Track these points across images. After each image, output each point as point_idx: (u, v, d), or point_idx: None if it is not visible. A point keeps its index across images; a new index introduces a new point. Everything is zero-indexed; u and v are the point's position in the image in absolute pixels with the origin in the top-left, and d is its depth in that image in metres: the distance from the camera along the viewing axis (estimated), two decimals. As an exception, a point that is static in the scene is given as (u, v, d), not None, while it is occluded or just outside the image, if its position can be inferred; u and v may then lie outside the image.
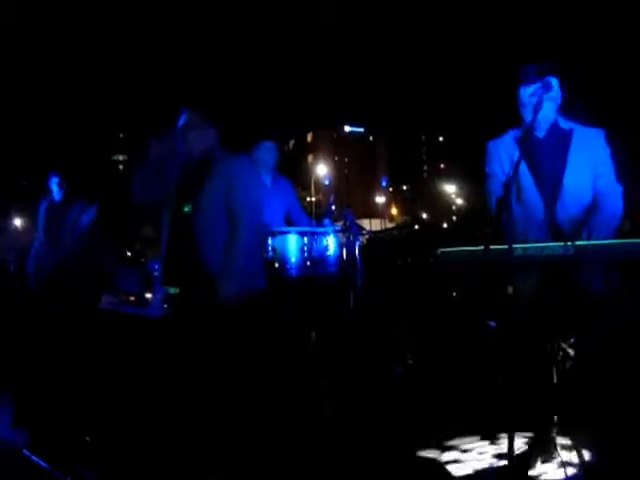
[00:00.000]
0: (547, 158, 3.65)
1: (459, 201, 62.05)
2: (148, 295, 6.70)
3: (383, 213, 58.69)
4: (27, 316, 6.07)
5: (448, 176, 66.05)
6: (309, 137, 67.66)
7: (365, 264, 5.45)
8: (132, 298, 6.97)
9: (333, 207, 5.80)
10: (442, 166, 75.10)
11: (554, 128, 3.69)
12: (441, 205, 60.09)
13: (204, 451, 3.86)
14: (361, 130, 70.46)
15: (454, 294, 4.16)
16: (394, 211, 62.05)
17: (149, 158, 4.32)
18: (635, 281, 3.09)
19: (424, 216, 57.05)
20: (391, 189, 68.58)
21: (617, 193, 3.59)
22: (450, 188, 63.74)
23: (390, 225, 49.77)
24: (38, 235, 6.41)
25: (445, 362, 4.64)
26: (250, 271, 4.21)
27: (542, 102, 3.40)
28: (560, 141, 3.68)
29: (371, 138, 73.13)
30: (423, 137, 77.02)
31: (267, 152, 5.92)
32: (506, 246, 2.84)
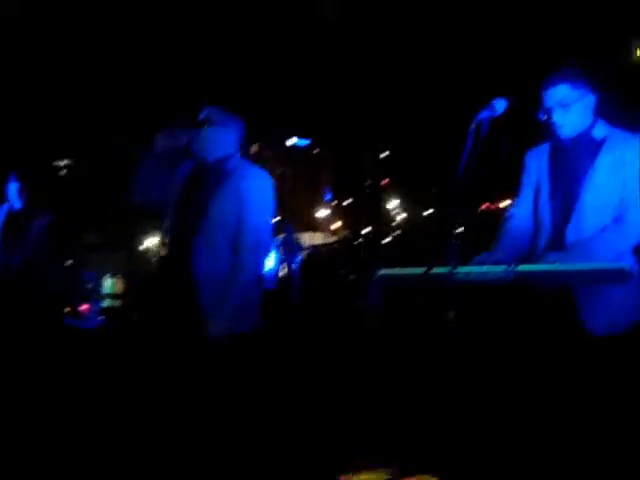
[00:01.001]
0: (568, 171, 3.39)
1: (401, 216, 62.35)
2: (83, 307, 6.53)
3: (326, 226, 58.52)
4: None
5: (391, 191, 66.34)
6: (254, 148, 67.42)
7: (305, 280, 5.36)
8: (67, 309, 6.79)
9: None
10: (386, 180, 75.42)
11: (585, 136, 3.44)
12: (384, 219, 60.31)
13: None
14: (306, 143, 70.42)
15: (394, 312, 4.08)
16: (337, 224, 62.05)
17: (154, 153, 3.98)
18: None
19: (367, 230, 57.14)
20: (335, 202, 68.60)
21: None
22: (393, 203, 64.03)
23: (333, 238, 49.85)
24: None
25: (382, 380, 4.56)
26: (246, 308, 3.89)
27: (571, 111, 3.23)
28: (587, 152, 3.42)
29: (316, 151, 73.16)
30: (366, 152, 77.29)
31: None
32: (447, 269, 2.76)
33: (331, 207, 72.69)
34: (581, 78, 3.56)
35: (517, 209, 3.78)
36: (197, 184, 4.07)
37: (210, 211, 3.91)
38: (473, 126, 3.44)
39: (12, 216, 6.57)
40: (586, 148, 3.64)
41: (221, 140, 4.05)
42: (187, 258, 3.94)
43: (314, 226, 60.09)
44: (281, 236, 5.60)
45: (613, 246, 3.40)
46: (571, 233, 3.58)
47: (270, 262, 5.60)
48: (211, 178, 4.02)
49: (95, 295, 5.95)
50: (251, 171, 3.98)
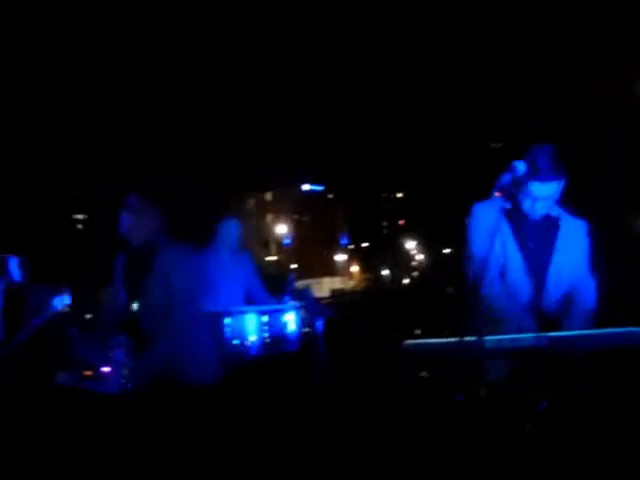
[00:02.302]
0: (538, 242, 3.54)
1: (419, 257, 62.41)
2: (105, 369, 6.43)
3: (344, 271, 58.71)
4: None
5: (407, 232, 66.52)
6: (268, 196, 67.90)
7: (327, 340, 5.32)
8: (88, 372, 6.71)
9: (294, 283, 5.66)
10: (401, 222, 75.69)
11: (547, 216, 3.58)
12: (401, 262, 60.34)
13: None
14: (320, 188, 70.88)
15: (422, 375, 3.99)
16: (355, 269, 62.08)
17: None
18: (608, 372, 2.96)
19: (385, 273, 57.13)
20: (351, 247, 68.79)
21: (592, 287, 3.58)
22: (410, 244, 64.16)
23: (352, 283, 49.81)
24: None
25: (411, 438, 4.47)
26: (201, 357, 4.07)
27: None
28: (551, 227, 3.58)
29: (330, 196, 73.61)
30: (382, 194, 77.70)
31: (230, 229, 5.82)
32: (476, 337, 2.69)
33: (348, 251, 72.99)
34: (562, 171, 3.65)
35: (477, 257, 3.81)
36: (132, 267, 4.31)
37: (146, 292, 4.12)
38: (496, 191, 3.47)
39: (12, 289, 6.49)
40: (550, 224, 3.83)
41: (140, 226, 4.26)
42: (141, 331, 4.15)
43: (332, 271, 60.35)
44: (301, 292, 5.59)
45: (587, 318, 3.63)
46: (545, 297, 3.74)
47: (291, 324, 5.58)
48: (141, 260, 4.22)
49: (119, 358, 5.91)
50: (171, 250, 4.19)
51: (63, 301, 6.20)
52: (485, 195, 3.76)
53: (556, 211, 3.65)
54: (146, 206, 4.19)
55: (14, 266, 6.41)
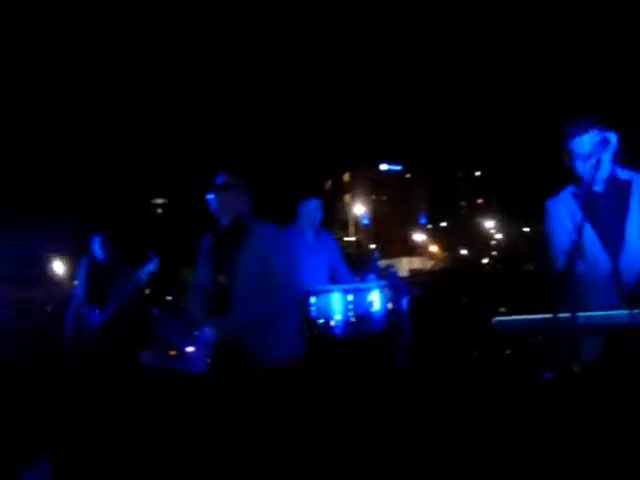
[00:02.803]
0: (608, 212, 3.46)
1: (498, 236, 61.67)
2: (189, 349, 6.56)
3: (423, 251, 58.37)
4: (66, 375, 5.98)
5: (486, 211, 65.76)
6: (346, 177, 67.86)
7: (413, 319, 5.30)
8: (172, 352, 6.84)
9: (378, 262, 5.64)
10: (480, 201, 74.83)
11: (612, 180, 3.50)
12: (480, 240, 59.71)
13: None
14: (398, 168, 70.52)
15: (508, 352, 3.97)
16: (434, 248, 61.70)
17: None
18: None
19: (464, 252, 56.64)
20: (430, 226, 68.36)
21: None
22: (488, 223, 63.44)
23: (430, 263, 49.50)
24: (78, 294, 6.30)
25: (499, 417, 4.45)
26: (289, 337, 4.12)
27: (601, 159, 3.25)
28: (620, 193, 3.49)
29: (408, 175, 73.18)
30: (460, 173, 76.90)
31: (312, 209, 5.83)
32: (568, 314, 2.67)
33: (426, 230, 72.53)
34: (604, 126, 3.59)
35: (559, 247, 3.83)
36: (222, 243, 4.33)
37: (238, 266, 4.13)
38: (594, 161, 3.45)
39: (96, 268, 6.58)
40: (619, 191, 3.68)
41: (235, 204, 4.27)
42: (228, 304, 4.16)
43: (411, 251, 60.01)
44: (386, 270, 5.57)
45: None
46: (625, 267, 3.61)
47: (376, 303, 5.57)
48: (232, 237, 4.24)
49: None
50: (264, 228, 4.20)
51: (150, 269, 6.34)
52: (564, 177, 3.76)
53: (626, 175, 3.56)
54: (237, 185, 4.24)
55: (98, 244, 6.58)
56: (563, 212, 3.58)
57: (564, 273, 3.25)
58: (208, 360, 5.67)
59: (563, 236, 3.57)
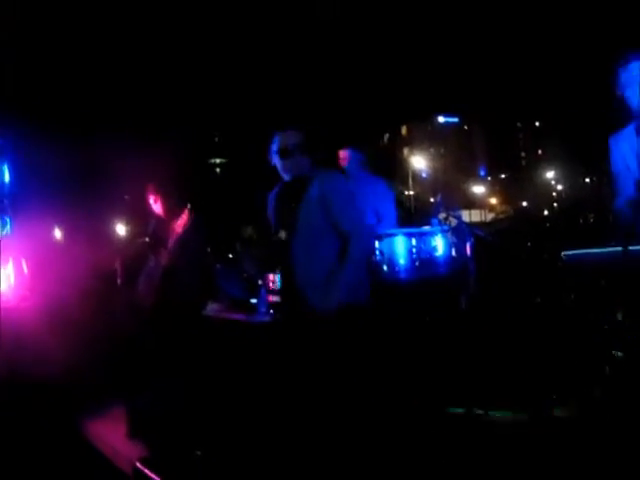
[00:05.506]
0: None
1: (559, 187, 60.66)
2: (253, 300, 6.62)
3: (482, 203, 57.68)
4: (138, 328, 6.10)
5: (547, 162, 64.64)
6: (403, 130, 67.26)
7: (476, 264, 5.27)
8: (236, 304, 6.92)
9: (441, 208, 5.60)
10: (540, 152, 73.56)
11: None
12: (541, 192, 58.82)
13: (314, 462, 3.78)
14: (455, 120, 69.61)
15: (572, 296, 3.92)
16: (493, 200, 60.98)
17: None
18: None
19: (524, 204, 55.90)
20: (489, 178, 67.50)
21: None
22: (549, 174, 62.38)
23: (490, 215, 48.97)
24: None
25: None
26: (355, 285, 4.12)
27: None
28: None
29: (466, 127, 72.21)
30: (519, 124, 75.59)
31: (353, 156, 5.86)
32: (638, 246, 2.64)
33: (486, 183, 71.64)
34: None
35: (623, 183, 3.76)
36: (283, 200, 4.32)
37: (301, 217, 4.13)
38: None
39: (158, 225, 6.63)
40: None
41: (297, 166, 4.26)
42: (289, 253, 4.15)
43: (470, 203, 59.39)
44: (448, 219, 5.53)
45: None
46: None
47: (440, 247, 5.55)
48: (293, 192, 4.23)
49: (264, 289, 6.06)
50: (324, 176, 4.20)
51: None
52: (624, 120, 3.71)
53: None
54: (299, 148, 4.25)
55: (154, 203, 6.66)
56: (625, 147, 3.55)
57: (630, 204, 3.21)
58: (271, 311, 5.72)
59: (625, 173, 3.54)
